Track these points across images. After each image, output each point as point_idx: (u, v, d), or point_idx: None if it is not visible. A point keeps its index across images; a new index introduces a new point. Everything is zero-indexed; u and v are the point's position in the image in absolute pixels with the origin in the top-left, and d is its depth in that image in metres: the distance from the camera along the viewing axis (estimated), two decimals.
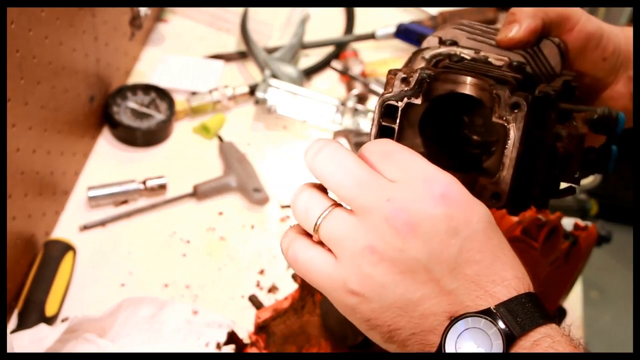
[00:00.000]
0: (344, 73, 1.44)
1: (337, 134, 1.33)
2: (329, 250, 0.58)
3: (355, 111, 1.38)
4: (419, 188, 0.56)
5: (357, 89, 1.43)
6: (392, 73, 0.61)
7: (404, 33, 1.52)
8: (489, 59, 0.65)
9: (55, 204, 1.21)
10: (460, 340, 0.54)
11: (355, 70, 1.46)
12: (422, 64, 0.65)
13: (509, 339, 0.53)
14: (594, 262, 1.08)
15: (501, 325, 0.54)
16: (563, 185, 0.67)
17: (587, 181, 1.31)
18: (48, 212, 1.18)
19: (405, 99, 0.61)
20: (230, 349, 1.02)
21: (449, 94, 0.61)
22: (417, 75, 0.61)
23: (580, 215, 1.30)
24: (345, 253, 0.57)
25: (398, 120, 0.62)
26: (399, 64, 1.51)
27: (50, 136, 1.14)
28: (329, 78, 1.51)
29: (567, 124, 0.63)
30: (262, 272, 1.19)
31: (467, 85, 0.61)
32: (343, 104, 1.39)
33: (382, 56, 1.54)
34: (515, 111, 0.58)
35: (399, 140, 0.63)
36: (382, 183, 0.57)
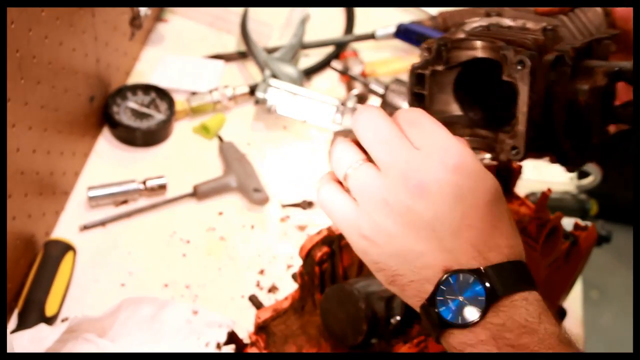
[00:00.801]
0: (344, 73, 1.44)
1: (337, 134, 1.32)
2: (354, 198, 0.65)
3: (355, 111, 1.38)
4: (436, 156, 0.62)
5: (357, 89, 1.43)
6: (425, 43, 0.68)
7: (404, 33, 1.52)
8: (527, 25, 0.70)
9: (55, 204, 1.21)
10: (449, 292, 0.62)
11: (355, 70, 1.46)
12: (462, 35, 0.70)
13: (491, 296, 0.61)
14: (594, 262, 1.07)
15: (487, 284, 0.61)
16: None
17: (587, 181, 1.31)
18: (48, 212, 1.18)
19: (429, 67, 0.67)
20: (230, 349, 1.02)
21: (472, 59, 0.67)
22: (435, 45, 0.67)
23: (580, 215, 1.30)
24: (364, 202, 0.64)
25: (427, 87, 0.68)
26: (399, 64, 1.51)
27: (50, 136, 1.14)
28: (329, 78, 1.51)
29: (589, 79, 0.67)
30: (262, 272, 1.19)
31: (479, 50, 0.66)
32: (343, 104, 1.39)
33: (382, 56, 1.54)
34: (520, 68, 0.63)
35: (431, 104, 0.69)
36: (405, 146, 0.63)
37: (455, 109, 0.70)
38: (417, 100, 0.69)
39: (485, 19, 0.72)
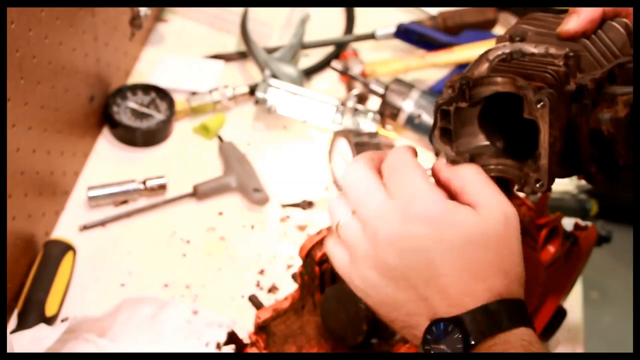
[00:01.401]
0: (344, 73, 1.44)
1: (337, 133, 1.32)
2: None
3: (355, 111, 1.38)
4: (400, 206, 0.65)
5: (357, 89, 1.42)
6: (448, 81, 0.71)
7: (404, 33, 1.52)
8: (550, 51, 0.71)
9: (55, 204, 1.21)
10: (435, 341, 0.63)
11: (355, 70, 1.46)
12: (486, 65, 0.72)
13: (467, 345, 0.62)
14: (594, 262, 1.07)
15: (461, 332, 0.62)
16: None
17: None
18: (48, 212, 1.18)
19: (454, 104, 0.70)
20: (230, 349, 1.02)
21: (494, 94, 0.69)
22: (458, 83, 0.70)
23: (580, 216, 1.30)
24: (352, 255, 0.68)
25: (452, 122, 0.71)
26: (399, 64, 1.51)
27: (50, 136, 1.14)
28: (329, 78, 1.51)
29: (612, 107, 0.68)
30: (262, 272, 1.19)
31: (500, 85, 0.69)
32: (343, 104, 1.39)
33: (382, 56, 1.54)
34: (539, 107, 0.65)
35: (456, 137, 0.72)
36: (378, 200, 0.67)
37: (482, 140, 0.72)
38: (444, 134, 0.72)
39: (509, 45, 0.73)
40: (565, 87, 0.67)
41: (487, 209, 0.66)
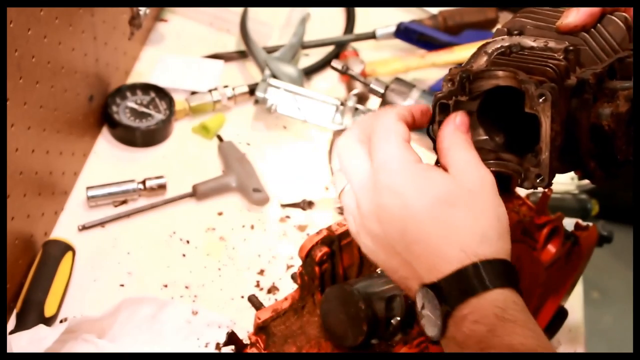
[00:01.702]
0: (344, 73, 1.43)
1: (337, 133, 1.32)
2: None
3: (355, 111, 1.38)
4: (375, 177, 0.67)
5: (358, 88, 1.42)
6: (447, 75, 0.71)
7: (404, 32, 1.52)
8: (549, 45, 0.71)
9: (54, 204, 1.20)
10: (423, 307, 0.65)
11: (356, 70, 1.46)
12: (485, 58, 0.72)
13: (444, 312, 0.63)
14: (595, 262, 1.07)
15: (438, 298, 0.63)
16: None
17: (588, 181, 1.30)
18: (47, 212, 1.18)
19: (453, 97, 0.70)
20: (229, 349, 1.01)
21: (494, 87, 0.69)
22: (458, 77, 0.69)
23: (581, 216, 1.30)
24: (350, 223, 0.71)
25: None
26: (399, 64, 1.51)
27: (49, 136, 1.14)
28: (329, 78, 1.50)
29: (612, 102, 0.68)
30: (261, 272, 1.19)
31: (501, 79, 0.68)
32: (343, 103, 1.38)
33: (382, 56, 1.54)
34: (541, 101, 0.65)
35: None
36: (360, 170, 0.69)
37: (481, 134, 0.72)
38: None
39: (507, 39, 0.73)
40: (565, 81, 0.67)
41: (457, 170, 0.66)
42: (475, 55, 0.73)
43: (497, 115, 0.72)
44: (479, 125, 0.72)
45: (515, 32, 0.74)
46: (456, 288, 0.63)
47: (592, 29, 0.73)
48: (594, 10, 0.73)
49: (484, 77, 0.69)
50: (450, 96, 0.70)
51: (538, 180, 0.68)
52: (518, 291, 0.64)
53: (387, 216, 0.66)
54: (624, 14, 0.74)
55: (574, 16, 0.72)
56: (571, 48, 0.70)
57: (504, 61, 0.70)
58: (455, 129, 0.69)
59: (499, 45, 0.72)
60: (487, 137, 0.72)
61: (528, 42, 0.72)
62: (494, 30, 0.78)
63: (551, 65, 0.67)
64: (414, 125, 0.72)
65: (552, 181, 0.69)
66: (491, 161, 0.71)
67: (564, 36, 0.72)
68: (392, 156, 0.67)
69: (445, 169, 0.68)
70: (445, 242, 0.64)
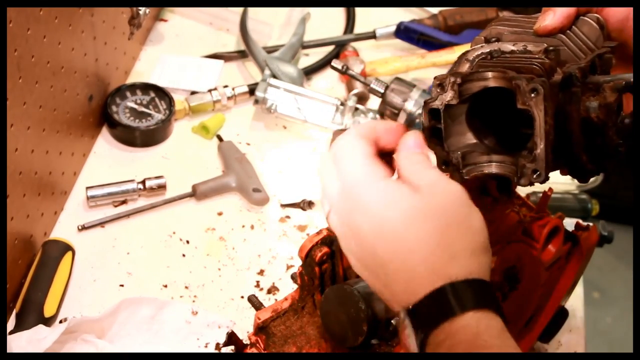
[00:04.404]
0: (344, 73, 1.43)
1: (337, 133, 1.32)
2: None
3: (355, 111, 1.38)
4: (344, 199, 0.67)
5: (358, 88, 1.42)
6: (436, 79, 0.71)
7: (404, 32, 1.52)
8: (528, 48, 0.72)
9: (54, 204, 1.20)
10: (405, 327, 0.64)
11: (356, 69, 1.46)
12: (467, 65, 0.73)
13: (420, 339, 0.62)
14: (596, 262, 1.07)
15: (413, 325, 0.62)
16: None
17: (589, 181, 1.30)
18: (47, 212, 1.17)
19: (444, 102, 0.70)
20: (229, 349, 1.01)
21: (483, 90, 0.70)
22: (447, 80, 0.70)
23: (581, 216, 1.29)
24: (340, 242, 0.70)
25: (442, 121, 0.71)
26: (399, 64, 1.51)
27: (49, 136, 1.14)
28: (329, 78, 1.50)
29: (598, 94, 0.69)
30: (261, 272, 1.19)
31: (491, 80, 0.69)
32: (343, 103, 1.38)
33: (382, 56, 1.53)
34: (534, 96, 0.66)
35: (447, 135, 0.71)
36: (333, 192, 0.69)
37: (471, 138, 0.73)
38: (434, 134, 0.72)
39: (487, 46, 0.74)
40: (552, 78, 0.68)
41: (426, 186, 0.65)
42: (457, 64, 0.74)
43: (484, 119, 0.73)
44: (468, 130, 0.72)
45: (493, 39, 0.75)
46: (428, 312, 0.61)
47: (568, 30, 0.75)
48: (570, 10, 0.75)
49: (473, 80, 0.70)
50: (440, 101, 0.71)
51: (535, 176, 0.68)
52: (495, 310, 0.62)
53: (360, 236, 0.65)
54: (595, 14, 0.77)
55: (551, 19, 0.74)
56: (551, 48, 0.72)
57: (490, 64, 0.72)
58: (413, 151, 0.69)
59: (479, 52, 0.74)
60: (476, 140, 0.72)
61: (508, 46, 0.73)
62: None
63: (537, 63, 0.69)
64: (381, 142, 0.71)
65: (549, 175, 0.69)
66: (484, 164, 0.71)
67: (541, 39, 0.74)
68: (356, 174, 0.67)
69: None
70: (417, 261, 0.63)
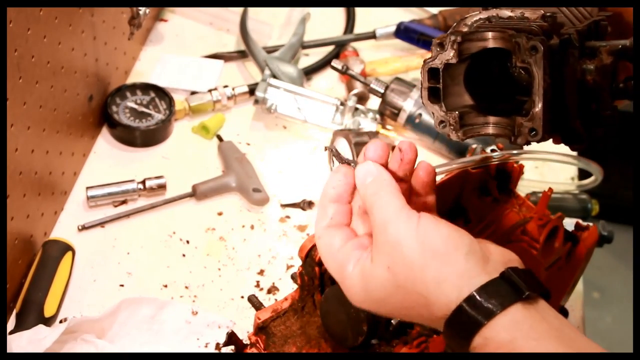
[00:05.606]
0: (344, 73, 1.43)
1: (337, 133, 1.32)
2: None
3: (355, 111, 1.38)
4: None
5: (358, 88, 1.42)
6: (436, 39, 0.71)
7: (404, 32, 1.52)
8: (525, 14, 0.73)
9: (54, 204, 1.20)
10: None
11: (356, 69, 1.46)
12: (465, 30, 0.73)
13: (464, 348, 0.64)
14: (596, 262, 1.07)
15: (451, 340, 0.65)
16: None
17: (589, 181, 1.30)
18: (47, 212, 1.17)
19: (443, 61, 0.70)
20: (229, 349, 1.01)
21: (482, 50, 0.70)
22: (448, 39, 0.70)
23: (581, 216, 1.29)
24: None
25: (441, 80, 0.71)
26: (399, 63, 1.51)
27: (49, 136, 1.14)
28: (329, 78, 1.50)
29: (594, 58, 0.70)
30: (261, 272, 1.19)
31: (491, 40, 0.69)
32: (343, 103, 1.38)
33: (382, 55, 1.53)
34: (534, 53, 0.66)
35: (445, 96, 0.72)
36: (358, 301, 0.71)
37: (468, 100, 0.73)
38: (432, 93, 0.72)
39: (485, 12, 0.75)
40: (549, 41, 0.69)
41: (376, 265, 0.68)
42: (457, 27, 0.75)
43: (480, 85, 0.73)
44: (465, 92, 0.73)
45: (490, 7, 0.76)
46: (459, 331, 0.64)
47: None
48: None
49: (472, 39, 0.70)
50: (440, 59, 0.71)
51: (532, 135, 0.68)
52: (526, 297, 0.63)
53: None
54: None
55: None
56: (548, 14, 0.72)
57: (489, 26, 0.72)
58: (380, 183, 0.70)
59: (477, 18, 0.74)
60: (473, 102, 0.73)
61: (506, 12, 0.74)
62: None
63: (535, 26, 0.69)
64: (344, 202, 0.75)
65: (545, 135, 0.69)
66: (482, 125, 0.72)
67: (538, 7, 0.75)
68: (328, 255, 0.72)
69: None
70: (410, 300, 0.66)
